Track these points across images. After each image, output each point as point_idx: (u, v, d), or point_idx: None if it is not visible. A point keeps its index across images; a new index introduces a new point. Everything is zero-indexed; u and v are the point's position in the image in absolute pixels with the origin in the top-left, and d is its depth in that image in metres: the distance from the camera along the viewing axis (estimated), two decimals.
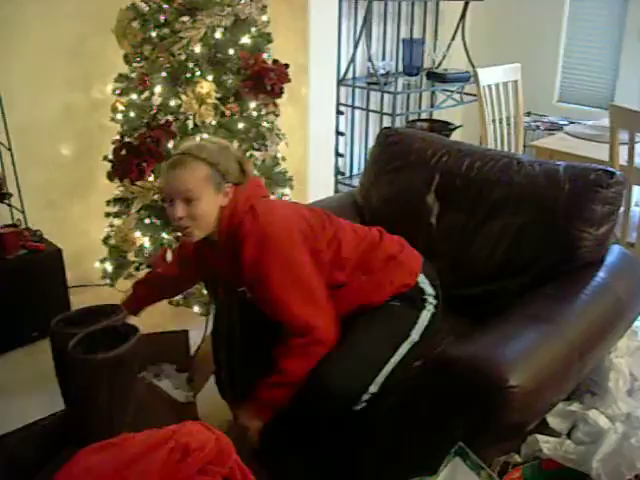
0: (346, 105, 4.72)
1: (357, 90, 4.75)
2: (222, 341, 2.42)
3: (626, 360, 2.19)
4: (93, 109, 3.55)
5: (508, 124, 4.09)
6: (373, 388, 1.95)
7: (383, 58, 4.88)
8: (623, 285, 2.19)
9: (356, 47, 4.57)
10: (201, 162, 1.96)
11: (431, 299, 2.14)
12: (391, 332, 2.03)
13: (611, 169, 2.18)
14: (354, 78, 4.73)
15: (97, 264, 3.29)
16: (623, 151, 3.03)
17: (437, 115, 5.29)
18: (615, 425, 2.01)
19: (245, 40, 3.01)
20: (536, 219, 2.20)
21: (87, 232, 3.55)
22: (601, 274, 2.14)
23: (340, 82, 4.60)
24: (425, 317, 2.09)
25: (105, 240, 3.25)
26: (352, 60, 4.61)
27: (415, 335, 2.05)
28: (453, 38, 5.12)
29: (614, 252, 2.31)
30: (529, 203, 2.22)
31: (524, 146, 4.14)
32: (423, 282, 2.15)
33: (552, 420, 2.05)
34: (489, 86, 3.91)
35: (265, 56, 3.06)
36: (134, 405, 1.74)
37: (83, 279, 3.56)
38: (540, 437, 1.98)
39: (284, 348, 1.99)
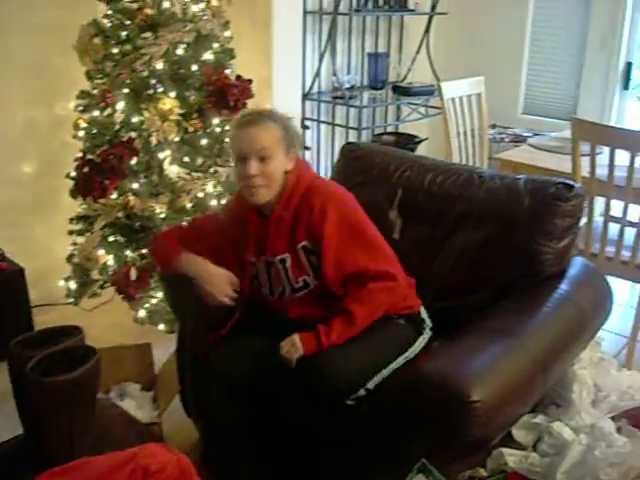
0: (312, 119, 4.72)
1: (323, 104, 4.76)
2: (187, 359, 2.40)
3: (589, 371, 2.21)
4: (56, 126, 3.52)
5: (473, 137, 4.12)
6: (370, 384, 1.96)
7: (348, 72, 4.89)
8: (585, 297, 2.21)
9: (321, 61, 4.58)
10: (275, 123, 2.04)
11: (428, 330, 2.19)
12: (393, 342, 2.08)
13: (570, 182, 2.20)
14: (319, 92, 4.73)
15: (61, 282, 3.24)
16: (585, 163, 3.06)
17: (403, 128, 5.31)
18: (579, 437, 2.02)
19: (208, 56, 3.00)
20: (497, 234, 2.21)
21: (51, 250, 3.50)
22: (563, 286, 2.16)
23: (305, 96, 4.60)
24: (422, 341, 2.14)
25: (69, 258, 3.21)
26: (317, 74, 4.61)
27: (411, 353, 2.09)
28: (418, 52, 5.15)
29: (576, 264, 2.33)
30: (490, 218, 2.23)
31: (489, 158, 4.17)
32: (424, 313, 2.22)
33: (517, 433, 2.06)
34: (453, 99, 3.94)
35: (228, 72, 3.06)
36: (95, 427, 1.72)
37: (47, 298, 3.52)
38: (505, 450, 1.99)
39: (355, 294, 2.02)
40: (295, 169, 2.11)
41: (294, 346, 1.99)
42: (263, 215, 2.16)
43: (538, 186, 2.22)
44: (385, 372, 1.99)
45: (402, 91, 4.83)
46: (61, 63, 3.32)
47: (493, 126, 5.08)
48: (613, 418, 2.09)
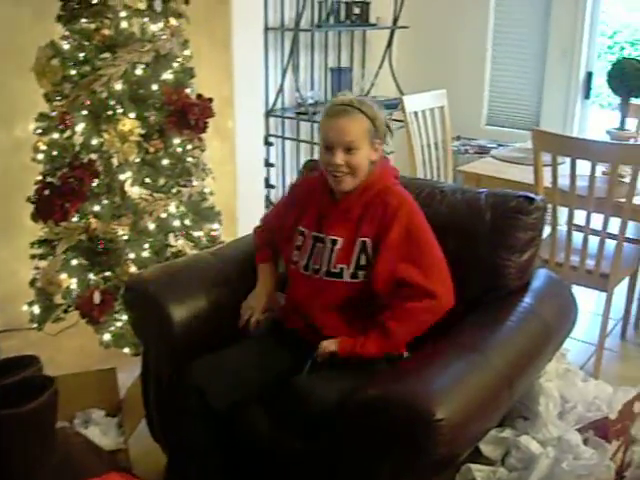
0: (276, 136, 4.72)
1: (287, 121, 4.76)
2: (151, 383, 2.37)
3: (556, 383, 2.21)
4: (16, 149, 3.46)
5: (437, 149, 4.13)
6: None
7: (312, 88, 4.91)
8: (549, 309, 2.22)
9: (284, 78, 4.58)
10: (363, 115, 2.06)
11: None
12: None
13: (531, 195, 2.21)
14: (283, 109, 4.73)
15: (25, 307, 3.19)
16: (548, 173, 3.08)
17: None
18: (547, 450, 2.02)
19: (167, 75, 2.97)
20: (460, 249, 2.20)
21: (15, 274, 3.44)
22: (527, 299, 2.16)
23: (269, 113, 4.60)
24: None
25: (32, 282, 3.16)
26: (280, 91, 4.62)
27: None
28: (380, 66, 5.18)
29: (540, 276, 2.34)
30: (452, 233, 2.22)
31: (453, 170, 4.19)
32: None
33: (485, 448, 2.05)
34: (416, 113, 3.95)
35: (188, 91, 3.03)
36: (57, 457, 1.68)
37: (12, 323, 3.46)
38: (473, 466, 1.98)
39: (394, 310, 2.03)
40: (380, 165, 2.17)
41: (333, 344, 2.03)
42: (334, 197, 2.19)
43: (499, 200, 2.22)
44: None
45: None
46: (20, 85, 3.26)
47: (457, 138, 5.12)
48: (580, 429, 2.09)
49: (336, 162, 2.07)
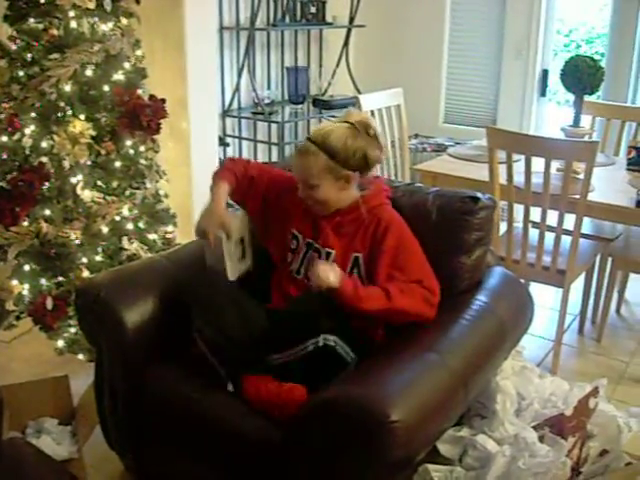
0: (233, 136, 4.68)
1: (244, 121, 4.72)
2: (105, 390, 2.33)
3: (512, 380, 2.21)
4: None
5: (394, 147, 4.13)
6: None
7: (268, 87, 4.88)
8: (504, 306, 2.22)
9: (240, 77, 4.54)
10: (323, 152, 2.07)
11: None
12: None
13: (477, 195, 2.21)
14: (240, 108, 4.70)
15: None
16: (503, 170, 3.09)
17: None
18: (503, 448, 2.01)
19: (118, 76, 2.92)
20: None
21: None
22: (481, 298, 2.16)
23: (225, 113, 4.56)
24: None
25: None
26: (236, 90, 4.58)
27: None
28: (338, 65, 5.17)
29: (495, 274, 2.34)
30: None
31: (411, 169, 4.19)
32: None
33: (442, 447, 2.05)
34: (372, 111, 3.94)
35: (140, 92, 2.98)
36: (5, 469, 1.63)
37: None
38: (431, 466, 1.97)
39: (397, 283, 2.05)
40: (373, 184, 2.20)
41: (333, 272, 1.99)
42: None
43: (445, 201, 2.23)
44: None
45: (322, 105, 4.85)
46: None
47: (415, 136, 5.14)
48: (536, 427, 2.09)
49: (300, 195, 2.17)
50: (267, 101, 4.56)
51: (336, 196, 2.14)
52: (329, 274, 1.97)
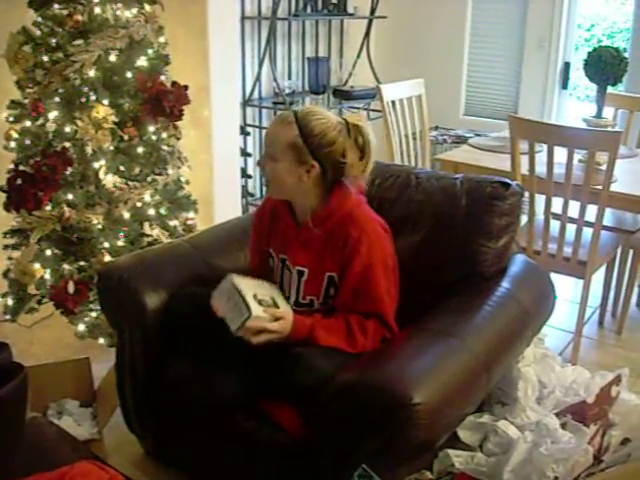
0: (253, 126, 4.68)
1: (264, 110, 4.72)
2: (126, 373, 2.34)
3: (534, 368, 2.21)
4: None
5: (414, 139, 4.12)
6: None
7: (289, 77, 4.87)
8: (527, 294, 2.21)
9: (261, 67, 4.54)
10: (296, 126, 1.94)
11: None
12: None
13: (507, 180, 2.20)
14: (260, 98, 4.70)
15: None
16: (525, 161, 3.07)
17: None
18: (524, 434, 2.01)
19: (141, 62, 2.93)
20: (435, 236, 2.20)
21: None
22: (505, 284, 2.15)
23: (246, 102, 4.57)
24: None
25: (5, 273, 3.11)
26: (257, 80, 4.58)
27: None
28: (359, 55, 5.15)
29: (518, 262, 2.33)
30: (427, 220, 2.22)
31: (431, 160, 4.18)
32: None
33: (463, 433, 2.05)
34: (393, 102, 3.94)
35: (163, 78, 2.99)
36: (27, 448, 1.64)
37: None
38: (451, 452, 1.97)
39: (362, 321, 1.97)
40: (338, 191, 2.03)
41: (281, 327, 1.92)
42: (296, 220, 2.12)
43: (474, 186, 2.21)
44: None
45: (343, 95, 4.83)
46: None
47: (435, 128, 5.12)
48: (558, 414, 2.09)
49: (259, 162, 2.07)
50: (288, 91, 4.55)
51: (292, 183, 2.00)
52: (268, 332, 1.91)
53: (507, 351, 2.02)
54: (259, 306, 1.94)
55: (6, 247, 3.06)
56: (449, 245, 2.20)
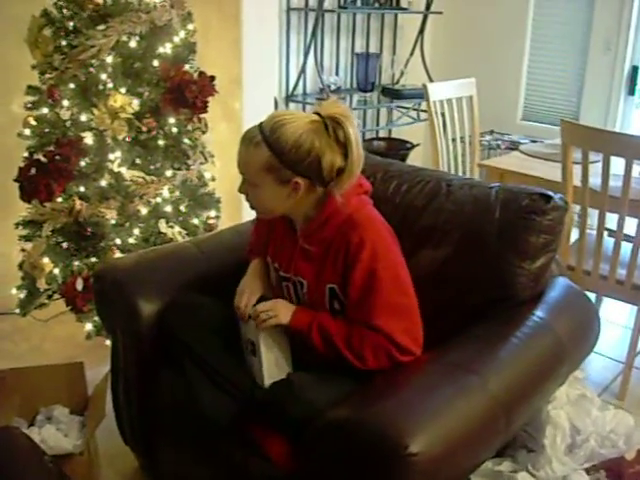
0: None
1: (308, 106, 4.51)
2: (120, 380, 2.17)
3: (567, 410, 1.92)
4: (13, 125, 3.27)
5: (463, 142, 3.85)
6: None
7: (337, 73, 4.66)
8: (565, 324, 1.93)
9: (305, 61, 4.34)
10: (266, 146, 1.72)
11: None
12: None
13: (548, 192, 1.93)
14: (305, 94, 4.49)
15: (14, 291, 3.02)
16: (578, 171, 2.79)
17: (397, 132, 5.07)
18: None
19: (165, 50, 2.75)
20: (462, 252, 1.93)
21: (7, 256, 3.27)
22: (539, 312, 1.88)
23: (289, 97, 4.37)
24: None
25: (21, 265, 2.99)
26: (301, 74, 4.38)
27: None
28: (412, 53, 4.91)
29: (557, 286, 2.05)
30: (456, 233, 1.95)
31: (478, 166, 3.90)
32: None
33: None
34: (441, 102, 3.68)
35: (188, 67, 2.81)
36: None
37: (1, 306, 3.28)
38: None
39: (351, 329, 1.76)
40: (332, 201, 1.79)
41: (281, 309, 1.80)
42: (292, 226, 1.91)
43: (511, 197, 1.94)
44: None
45: (392, 94, 4.61)
46: (17, 57, 3.07)
47: (490, 132, 4.86)
48: (590, 469, 1.80)
49: (239, 191, 1.85)
50: (333, 87, 4.34)
51: (280, 204, 1.80)
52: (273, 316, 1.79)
53: (535, 391, 1.75)
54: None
55: (21, 238, 2.93)
56: (478, 263, 1.93)
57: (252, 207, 1.86)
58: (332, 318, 1.79)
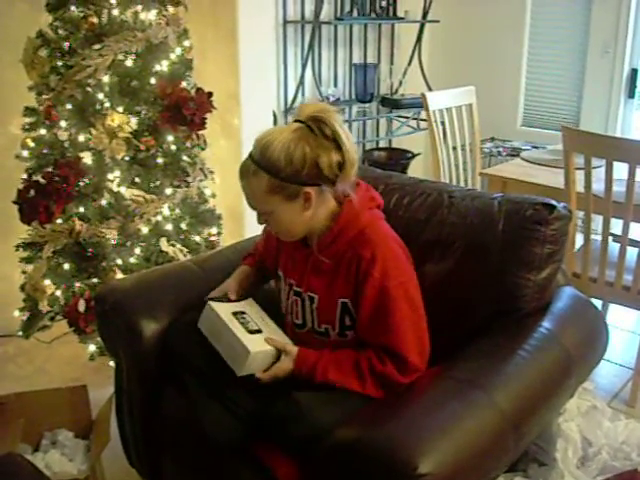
0: None
1: None
2: (124, 402, 2.15)
3: (578, 422, 1.89)
4: (11, 146, 3.26)
5: (464, 150, 3.83)
6: None
7: (335, 84, 4.64)
8: (572, 336, 1.90)
9: (303, 73, 4.32)
10: (262, 170, 1.70)
11: None
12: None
13: (552, 202, 1.90)
14: None
15: (16, 313, 3.01)
16: (581, 177, 2.76)
17: (397, 142, 5.05)
18: None
19: (161, 67, 2.74)
20: (466, 264, 1.90)
21: (9, 278, 3.25)
22: (545, 324, 1.85)
23: (288, 110, 4.35)
24: None
25: (22, 287, 2.97)
26: (299, 87, 4.36)
27: None
28: (409, 63, 4.89)
29: (563, 296, 2.02)
30: (459, 246, 1.93)
31: (479, 174, 3.88)
32: None
33: None
34: (441, 110, 3.66)
35: (185, 84, 2.80)
36: None
37: (5, 329, 3.27)
38: None
39: (360, 360, 1.74)
40: (349, 208, 1.79)
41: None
42: (303, 242, 1.89)
43: (514, 207, 1.91)
44: None
45: (391, 104, 4.58)
46: (14, 78, 3.06)
47: (491, 139, 4.83)
48: None
49: (259, 222, 1.84)
50: (332, 99, 4.32)
51: (299, 220, 1.77)
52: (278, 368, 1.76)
53: (544, 405, 1.72)
54: (250, 335, 1.77)
55: (22, 260, 2.92)
56: (482, 276, 1.90)
57: (276, 233, 1.86)
58: (334, 358, 1.77)
